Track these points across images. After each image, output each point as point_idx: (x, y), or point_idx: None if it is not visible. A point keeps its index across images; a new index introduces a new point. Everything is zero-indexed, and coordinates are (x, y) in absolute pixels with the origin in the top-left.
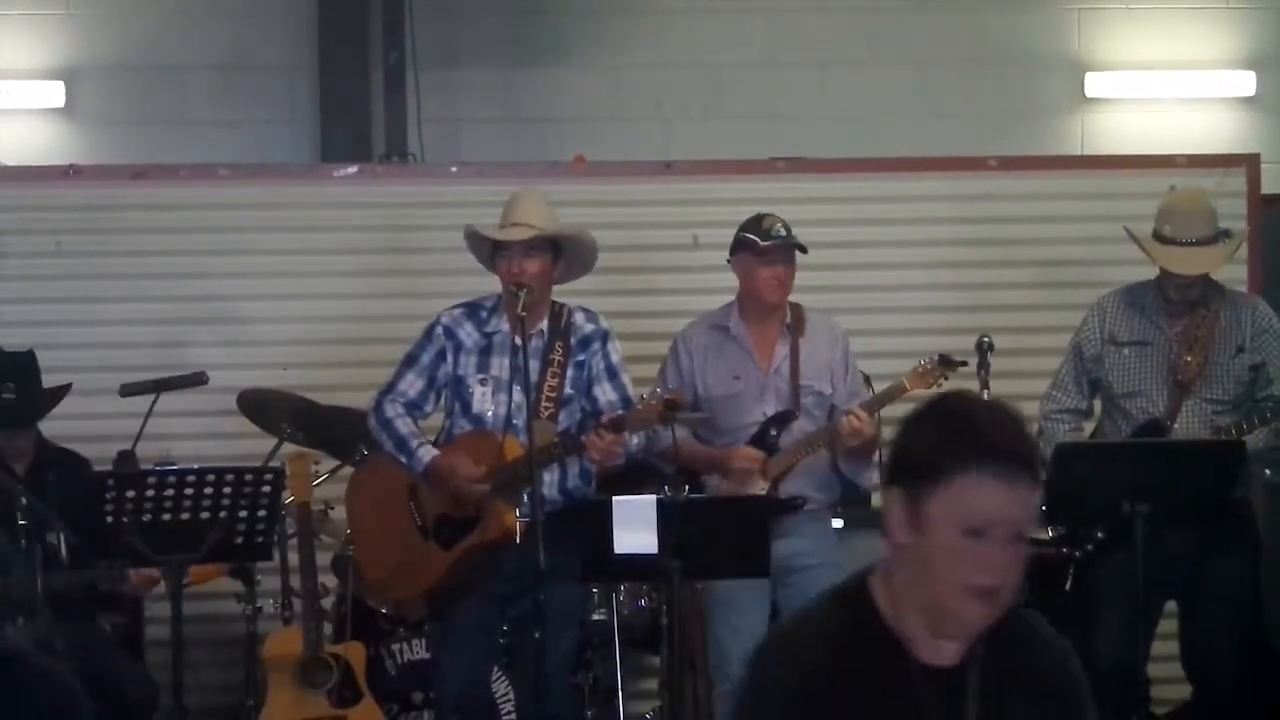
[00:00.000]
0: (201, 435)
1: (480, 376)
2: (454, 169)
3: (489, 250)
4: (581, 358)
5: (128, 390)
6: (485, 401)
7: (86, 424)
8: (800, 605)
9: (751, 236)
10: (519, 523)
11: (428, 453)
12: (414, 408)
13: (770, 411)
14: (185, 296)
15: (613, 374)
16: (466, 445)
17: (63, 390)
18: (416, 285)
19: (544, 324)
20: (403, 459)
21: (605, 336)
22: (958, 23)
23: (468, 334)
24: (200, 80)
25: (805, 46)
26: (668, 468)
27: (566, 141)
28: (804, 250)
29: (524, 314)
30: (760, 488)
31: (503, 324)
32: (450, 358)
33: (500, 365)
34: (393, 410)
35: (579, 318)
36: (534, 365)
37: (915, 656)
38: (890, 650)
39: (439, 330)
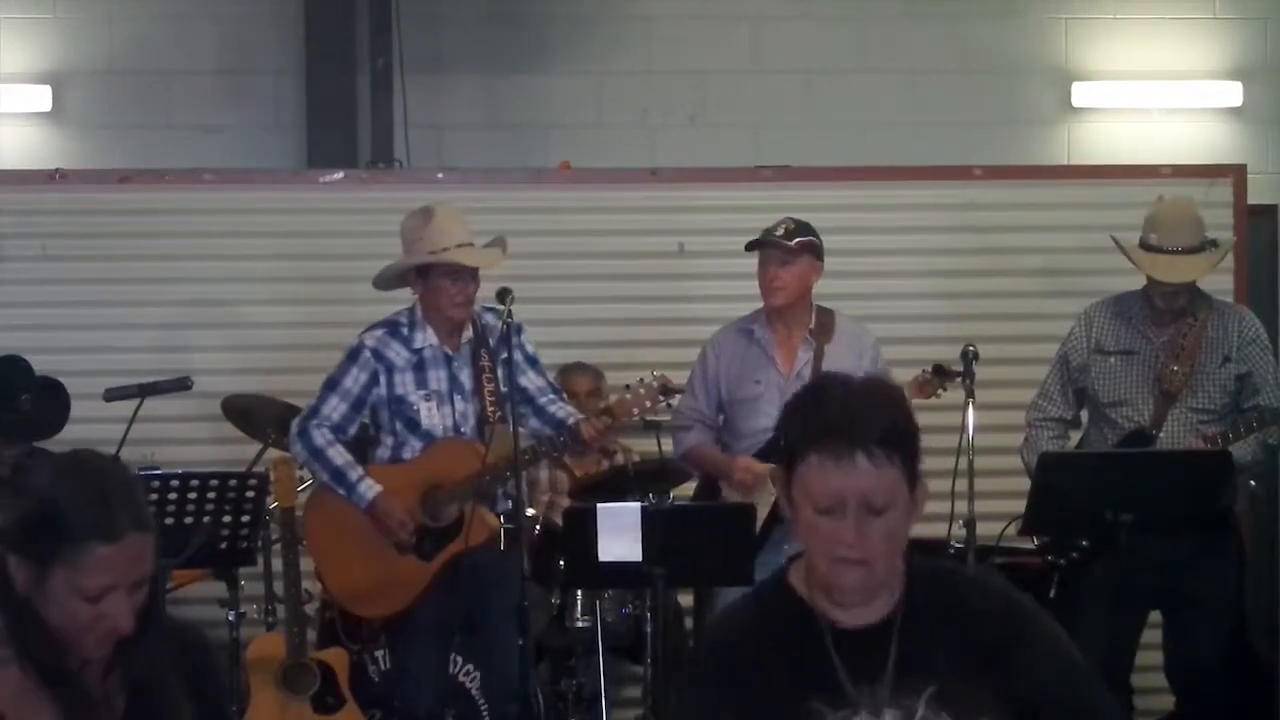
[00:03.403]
0: (186, 440)
1: (423, 393)
2: (440, 175)
3: (408, 270)
4: (503, 354)
5: (112, 395)
6: (432, 416)
7: (71, 428)
8: None
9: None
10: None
11: (370, 489)
12: (338, 432)
13: None
14: (170, 301)
15: (533, 362)
16: (445, 452)
17: (65, 392)
18: (401, 291)
19: (467, 331)
20: (341, 490)
21: (519, 329)
22: (945, 31)
23: (397, 353)
24: (187, 85)
25: (791, 55)
26: (693, 471)
27: (552, 148)
28: (755, 247)
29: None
30: (769, 493)
31: (429, 338)
32: (383, 379)
33: (437, 379)
34: (322, 438)
35: (489, 318)
36: (468, 374)
37: (831, 621)
38: (803, 619)
39: (366, 354)
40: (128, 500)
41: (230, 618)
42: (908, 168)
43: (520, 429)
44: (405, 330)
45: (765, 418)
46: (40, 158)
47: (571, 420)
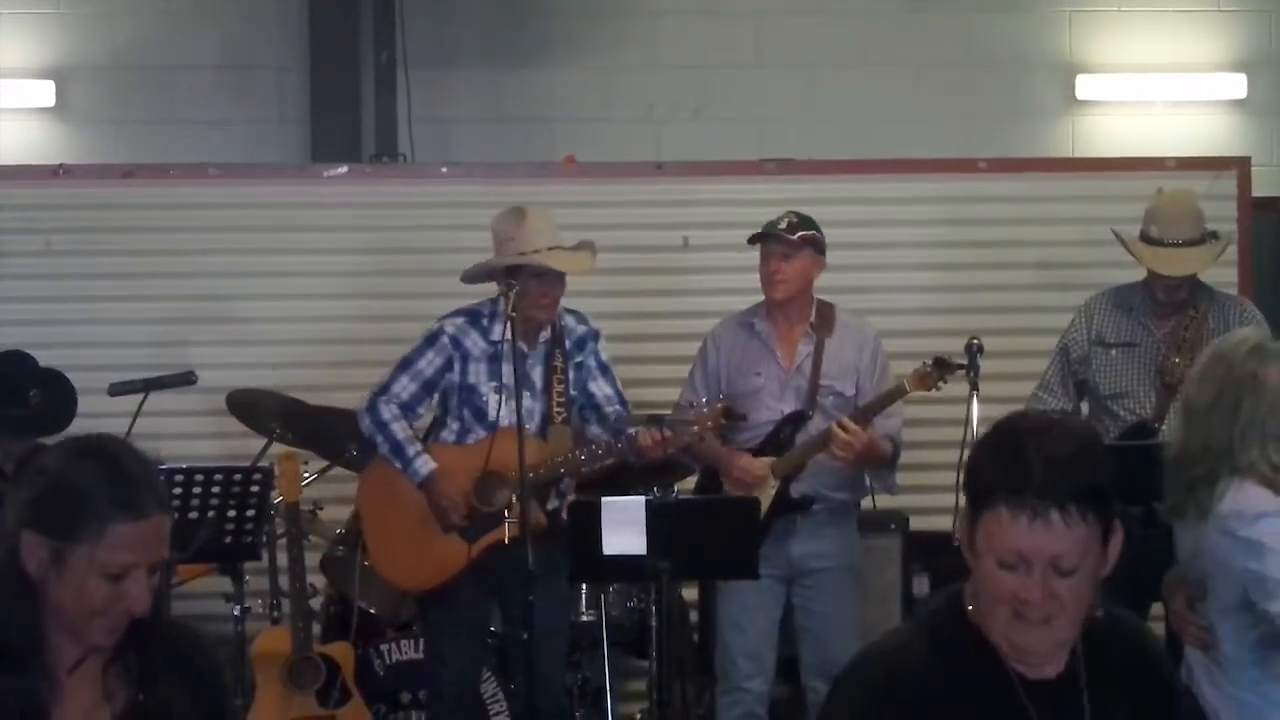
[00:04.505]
0: (191, 435)
1: (494, 384)
2: (444, 169)
3: (497, 268)
4: (579, 359)
5: (116, 389)
6: (500, 408)
7: (75, 423)
8: (815, 607)
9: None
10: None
11: (425, 465)
12: (407, 410)
13: (789, 409)
14: (175, 296)
15: (605, 370)
16: (508, 441)
17: (71, 386)
18: (406, 285)
19: (546, 331)
20: (398, 464)
21: (596, 336)
22: (948, 25)
23: (474, 343)
24: (191, 80)
25: (795, 49)
26: (692, 464)
27: (557, 142)
28: (757, 240)
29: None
30: (770, 486)
31: (507, 332)
32: (458, 366)
33: (509, 373)
34: (389, 413)
35: (569, 320)
36: (540, 372)
37: (1015, 669)
38: (990, 663)
39: (445, 339)
40: (150, 480)
41: (235, 612)
42: (911, 161)
43: (580, 431)
44: (485, 321)
45: (766, 410)
46: (44, 153)
47: (632, 429)
